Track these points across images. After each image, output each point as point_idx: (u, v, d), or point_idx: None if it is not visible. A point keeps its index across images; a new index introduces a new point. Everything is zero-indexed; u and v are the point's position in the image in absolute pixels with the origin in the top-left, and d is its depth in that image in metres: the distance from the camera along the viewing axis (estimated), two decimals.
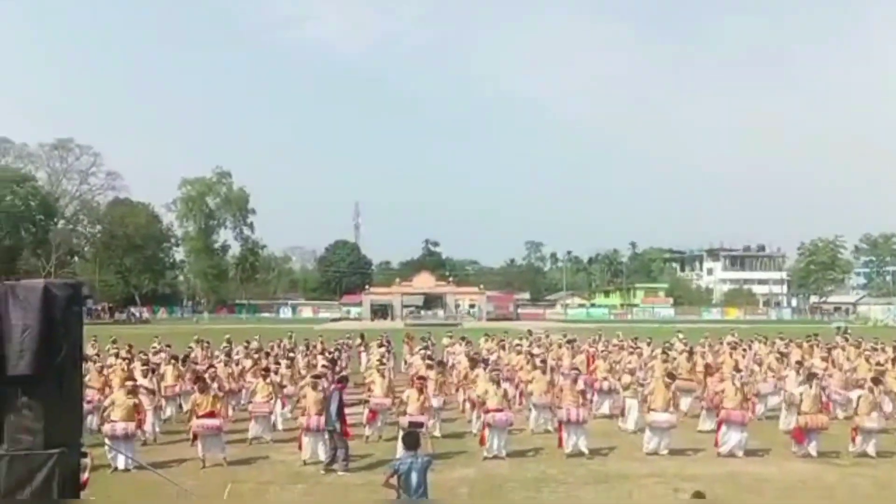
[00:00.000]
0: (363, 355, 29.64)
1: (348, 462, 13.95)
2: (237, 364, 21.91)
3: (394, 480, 8.55)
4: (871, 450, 14.88)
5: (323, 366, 21.20)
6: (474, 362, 19.76)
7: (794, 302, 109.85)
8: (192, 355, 23.99)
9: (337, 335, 34.38)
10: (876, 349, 24.81)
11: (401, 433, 14.49)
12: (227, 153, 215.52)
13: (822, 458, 14.67)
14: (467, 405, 18.83)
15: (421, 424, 13.70)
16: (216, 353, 24.89)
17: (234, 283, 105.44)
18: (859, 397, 15.46)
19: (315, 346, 27.32)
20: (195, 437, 14.68)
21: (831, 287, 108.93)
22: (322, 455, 14.40)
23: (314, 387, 14.99)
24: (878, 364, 20.49)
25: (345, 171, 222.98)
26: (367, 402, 16.99)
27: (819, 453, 14.79)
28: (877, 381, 16.09)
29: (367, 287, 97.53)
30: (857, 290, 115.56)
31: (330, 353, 25.24)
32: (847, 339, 29.06)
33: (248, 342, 27.82)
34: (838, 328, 46.02)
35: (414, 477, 8.39)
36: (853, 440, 15.11)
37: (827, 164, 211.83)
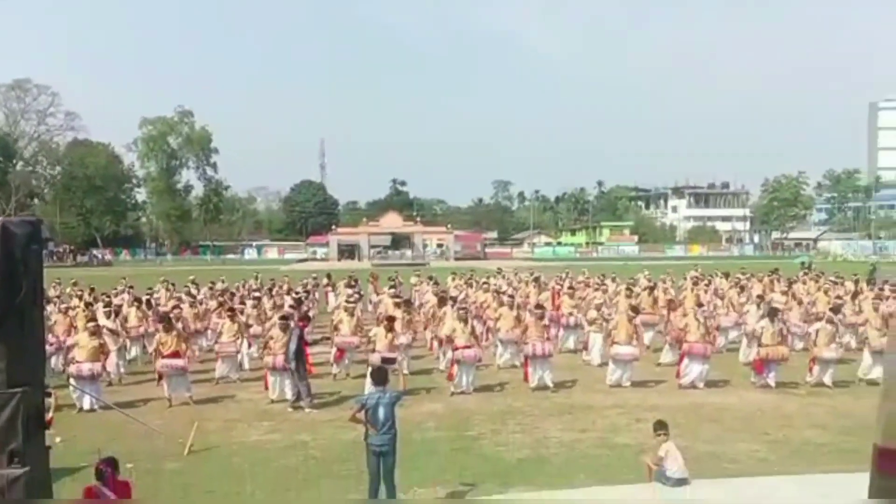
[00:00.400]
0: (330, 295, 29.62)
1: (312, 399, 14.01)
2: (202, 304, 21.76)
3: (361, 415, 8.57)
4: (827, 380, 15.28)
5: (290, 306, 21.11)
6: (442, 300, 19.81)
7: (756, 238, 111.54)
8: (156, 296, 23.77)
9: (303, 276, 34.21)
10: (836, 283, 25.33)
11: (369, 370, 14.64)
12: (188, 92, 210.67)
13: (780, 389, 15.05)
14: (435, 343, 18.95)
15: (393, 360, 13.79)
16: (181, 294, 24.68)
17: (198, 224, 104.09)
18: (817, 329, 15.79)
19: (282, 287, 27.21)
20: (160, 376, 14.65)
21: (793, 223, 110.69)
22: (289, 394, 14.44)
23: (283, 327, 14.93)
24: (837, 297, 20.93)
25: (310, 110, 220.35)
26: (333, 340, 17.00)
27: (777, 384, 15.16)
28: (835, 311, 16.44)
29: (333, 227, 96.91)
30: (818, 226, 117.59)
31: (297, 293, 25.14)
32: (808, 273, 29.66)
33: (213, 283, 27.63)
34: (802, 263, 46.81)
35: (381, 412, 8.42)
36: (811, 370, 15.50)
37: (791, 102, 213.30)
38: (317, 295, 27.40)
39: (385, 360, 10.43)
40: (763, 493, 8.67)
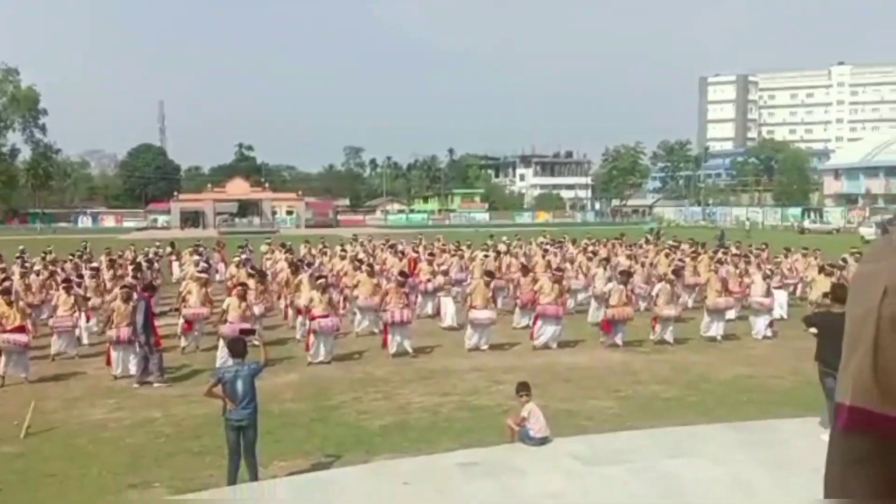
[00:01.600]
0: (174, 265, 28.28)
1: (163, 373, 13.31)
2: (37, 275, 20.11)
3: (218, 389, 8.15)
4: (668, 337, 16.17)
5: (134, 276, 19.94)
6: (296, 268, 19.35)
7: (597, 205, 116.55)
8: None
9: (144, 245, 32.39)
10: (674, 246, 26.79)
11: (220, 342, 14.04)
12: (12, 48, 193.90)
13: (627, 347, 15.77)
14: (290, 311, 18.50)
15: (252, 331, 13.22)
16: (12, 267, 22.75)
17: (26, 190, 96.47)
18: (658, 290, 16.63)
19: (121, 256, 25.67)
20: None
21: (631, 191, 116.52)
22: (133, 369, 13.63)
23: (124, 298, 14.03)
24: (679, 260, 22.14)
25: (147, 70, 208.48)
26: (181, 312, 16.22)
27: (624, 342, 15.87)
28: (676, 273, 17.36)
29: (175, 194, 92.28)
30: (653, 194, 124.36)
31: (138, 263, 23.76)
32: (659, 239, 31.32)
33: (44, 253, 25.65)
34: (651, 229, 49.33)
35: (240, 385, 8.06)
36: (654, 329, 16.33)
37: (630, 75, 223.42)
38: (158, 265, 25.94)
39: (244, 332, 9.94)
40: (620, 447, 8.99)
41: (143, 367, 13.22)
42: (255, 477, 8.24)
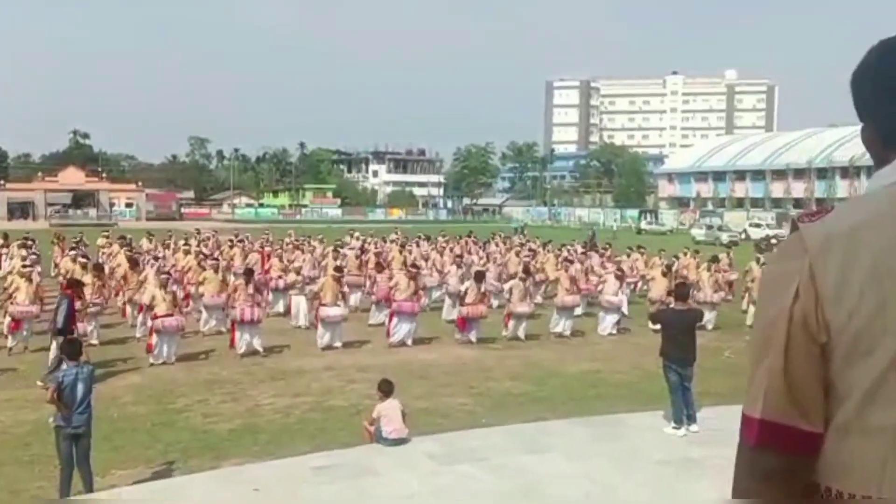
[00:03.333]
0: (3, 259, 26.06)
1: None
2: None
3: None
4: (521, 333, 16.53)
5: None
6: (135, 262, 18.29)
7: (449, 203, 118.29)
8: None
9: None
10: (523, 244, 27.50)
11: (53, 343, 12.99)
12: None
13: (481, 344, 15.98)
14: (129, 308, 17.46)
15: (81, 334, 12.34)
16: None
17: None
18: (511, 287, 16.96)
19: None
20: None
21: (481, 190, 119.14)
22: None
23: None
24: (526, 257, 22.72)
25: None
26: (7, 310, 14.94)
27: (478, 339, 16.07)
28: (527, 271, 17.78)
29: (1, 183, 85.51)
30: (502, 193, 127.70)
31: None
32: (524, 237, 32.08)
33: None
34: (516, 228, 50.37)
35: (80, 388, 7.48)
36: (506, 325, 16.64)
37: (481, 75, 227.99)
38: None
39: (70, 339, 9.11)
40: (475, 445, 9.03)
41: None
42: (90, 487, 7.66)
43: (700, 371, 10.15)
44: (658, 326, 10.98)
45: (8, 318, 14.93)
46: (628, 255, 24.12)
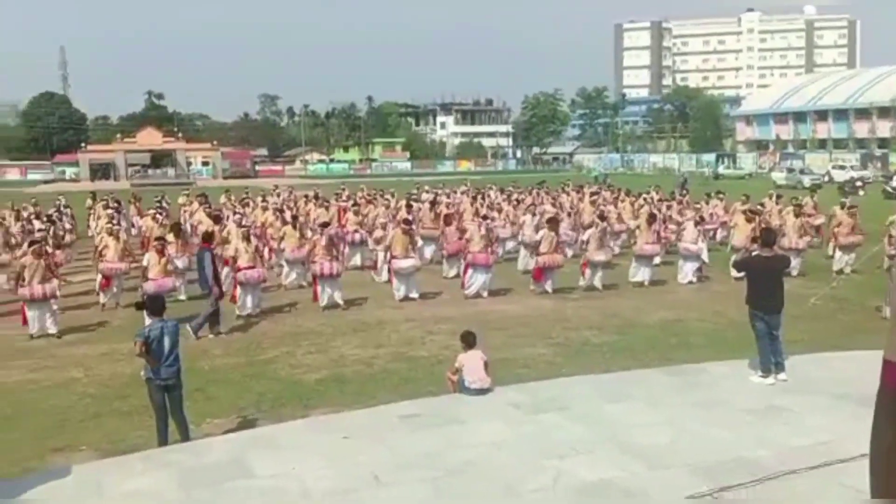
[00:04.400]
0: (91, 219, 27.04)
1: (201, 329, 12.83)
2: None
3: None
4: (597, 283, 16.38)
5: (39, 230, 18.98)
6: (217, 218, 18.74)
7: (518, 153, 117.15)
8: None
9: (56, 197, 30.76)
10: (597, 193, 27.10)
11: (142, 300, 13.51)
12: None
13: (557, 294, 15.92)
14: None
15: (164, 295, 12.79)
16: None
17: None
18: (588, 235, 16.77)
19: (27, 209, 24.40)
20: None
21: (551, 139, 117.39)
22: (51, 328, 13.03)
23: (35, 254, 13.31)
24: (601, 205, 22.39)
25: (44, 11, 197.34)
26: (98, 267, 15.56)
27: (555, 289, 16.00)
28: (602, 218, 17.53)
29: (83, 145, 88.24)
30: (573, 141, 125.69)
31: (48, 216, 22.61)
32: (607, 186, 31.60)
33: None
34: (596, 177, 49.60)
35: (167, 342, 7.77)
36: (583, 274, 16.51)
37: (546, 21, 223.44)
38: (66, 221, 24.45)
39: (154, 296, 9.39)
40: (558, 394, 9.06)
41: (203, 319, 12.85)
42: (186, 436, 8.01)
43: (786, 318, 9.91)
44: (742, 274, 10.72)
45: (99, 276, 15.54)
46: (707, 202, 23.54)
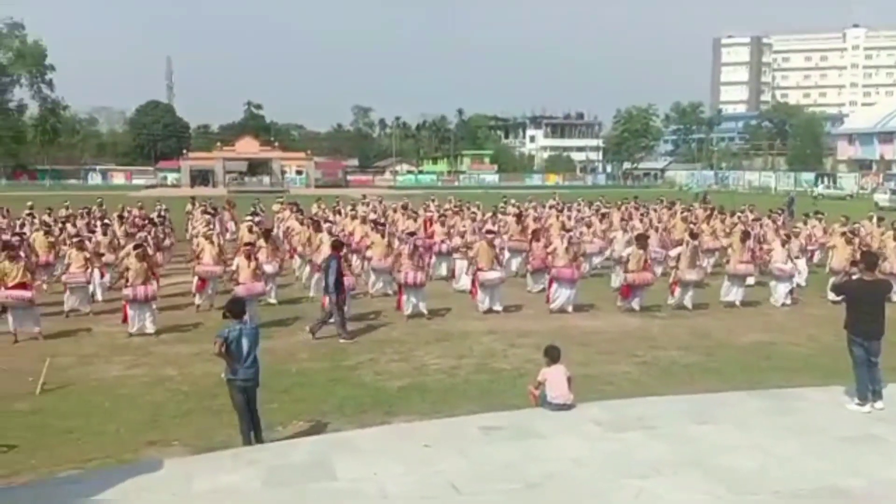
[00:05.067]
0: (189, 223, 28.13)
1: (346, 331, 13.34)
2: (47, 235, 19.99)
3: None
4: (687, 302, 15.99)
5: (144, 228, 19.88)
6: (318, 225, 19.09)
7: (608, 168, 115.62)
8: None
9: (155, 202, 32.14)
10: (689, 210, 26.51)
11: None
12: (17, 3, 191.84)
13: (644, 312, 15.61)
14: (306, 269, 18.36)
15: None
16: (27, 221, 22.66)
17: (34, 146, 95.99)
18: (679, 253, 16.39)
19: (131, 213, 25.56)
20: (4, 309, 13.40)
21: (642, 154, 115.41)
22: (150, 327, 13.60)
23: (138, 256, 13.94)
24: (692, 223, 21.88)
25: (154, 24, 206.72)
26: (195, 270, 16.16)
27: (642, 307, 15.71)
28: (694, 236, 17.10)
29: (185, 152, 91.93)
30: (665, 157, 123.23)
31: (152, 220, 23.63)
32: (706, 204, 30.87)
33: (49, 210, 25.51)
34: (697, 194, 48.50)
35: (245, 343, 8.03)
36: (672, 293, 16.16)
37: (642, 35, 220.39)
38: (170, 224, 25.62)
39: (235, 300, 9.64)
40: (642, 413, 8.89)
41: (340, 323, 13.36)
42: (259, 437, 8.22)
43: (887, 345, 9.47)
44: (840, 298, 10.29)
45: (195, 278, 16.13)
46: (805, 222, 22.70)
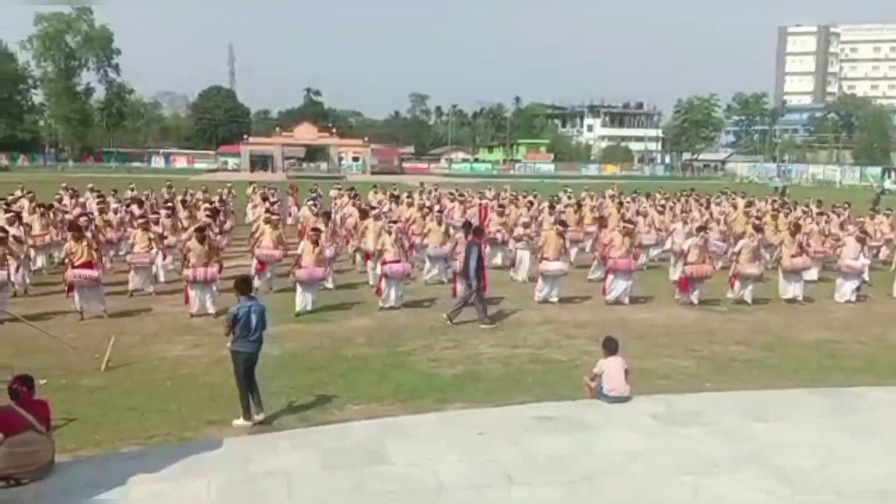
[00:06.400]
0: (249, 207, 28.64)
1: (488, 316, 13.56)
2: (115, 213, 20.58)
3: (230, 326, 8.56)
4: (747, 297, 15.65)
5: (207, 215, 20.28)
6: (364, 213, 19.33)
7: (667, 159, 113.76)
8: (63, 203, 22.40)
9: (217, 186, 32.78)
10: (752, 203, 25.94)
11: (298, 286, 14.18)
12: None
13: (703, 305, 15.34)
14: (357, 256, 18.53)
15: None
16: (88, 201, 23.35)
17: (100, 129, 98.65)
18: (741, 247, 16.04)
19: (195, 196, 26.11)
20: (70, 287, 13.80)
21: (702, 145, 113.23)
22: (210, 308, 13.87)
23: (199, 239, 14.23)
24: (756, 217, 21.40)
25: (218, 10, 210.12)
26: (254, 253, 16.43)
27: (700, 301, 15.44)
28: (758, 229, 16.71)
29: (245, 137, 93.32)
30: (726, 148, 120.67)
31: (214, 206, 24.08)
32: (785, 197, 30.05)
33: (114, 191, 26.25)
34: (776, 188, 47.37)
35: (254, 319, 8.51)
36: (732, 287, 15.83)
37: (705, 23, 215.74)
38: (231, 207, 26.23)
39: (244, 279, 9.94)
40: (699, 408, 8.77)
41: (482, 309, 13.57)
42: (260, 403, 8.61)
43: None
44: None
45: (255, 261, 16.40)
46: (872, 217, 22.02)
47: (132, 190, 27.44)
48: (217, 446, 7.70)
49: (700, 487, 6.71)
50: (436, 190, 30.77)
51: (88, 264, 13.76)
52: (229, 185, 31.62)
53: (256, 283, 16.14)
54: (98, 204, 21.57)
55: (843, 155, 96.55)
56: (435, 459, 7.26)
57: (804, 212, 22.55)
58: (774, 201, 26.98)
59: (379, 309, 14.39)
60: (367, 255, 17.20)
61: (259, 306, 8.68)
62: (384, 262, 14.63)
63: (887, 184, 68.25)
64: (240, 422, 8.49)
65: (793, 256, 16.15)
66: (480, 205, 23.37)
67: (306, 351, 11.67)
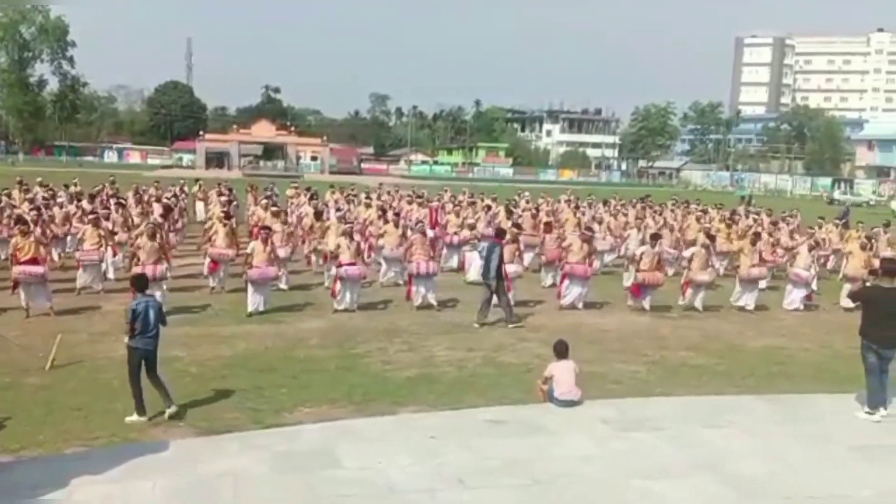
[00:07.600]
0: (199, 205, 28.23)
1: (512, 315, 13.73)
2: (61, 208, 20.10)
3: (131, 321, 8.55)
4: (698, 303, 15.87)
5: (160, 214, 19.93)
6: (318, 213, 19.21)
7: (623, 165, 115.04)
8: (12, 197, 21.80)
9: (170, 182, 32.21)
10: (703, 212, 26.34)
11: (249, 286, 14.01)
12: None
13: (654, 312, 15.53)
14: (313, 257, 18.38)
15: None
16: (37, 196, 22.76)
17: (53, 122, 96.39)
18: (692, 254, 16.27)
19: (146, 192, 25.64)
20: (16, 284, 13.45)
21: (658, 152, 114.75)
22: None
23: (150, 236, 13.96)
24: (706, 225, 21.74)
25: (176, 4, 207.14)
26: (207, 252, 16.19)
27: (652, 307, 15.62)
28: (711, 238, 16.97)
29: (201, 133, 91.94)
30: (681, 156, 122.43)
31: (166, 198, 23.69)
32: (751, 206, 30.59)
33: (66, 185, 25.69)
34: (743, 197, 47.97)
35: (151, 315, 8.61)
36: (683, 294, 16.05)
37: (663, 32, 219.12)
38: (184, 204, 25.82)
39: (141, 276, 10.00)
40: (650, 413, 8.86)
41: (508, 310, 13.77)
42: (167, 395, 8.67)
43: None
44: (855, 304, 10.20)
45: (207, 260, 16.16)
46: (819, 227, 22.54)
47: (75, 185, 26.81)
48: (164, 448, 7.55)
49: (649, 492, 6.77)
50: (395, 191, 30.63)
51: (34, 260, 13.43)
52: (182, 181, 31.17)
53: (211, 282, 15.99)
54: (43, 200, 21.08)
55: (794, 165, 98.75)
56: (387, 463, 7.21)
57: (755, 220, 22.95)
58: (748, 211, 27.47)
59: (333, 311, 14.29)
60: (324, 256, 17.07)
61: (156, 303, 8.87)
62: (340, 265, 14.53)
63: (836, 194, 69.99)
64: (133, 418, 8.46)
65: (752, 266, 16.39)
66: (430, 207, 23.35)
67: (258, 352, 11.52)
